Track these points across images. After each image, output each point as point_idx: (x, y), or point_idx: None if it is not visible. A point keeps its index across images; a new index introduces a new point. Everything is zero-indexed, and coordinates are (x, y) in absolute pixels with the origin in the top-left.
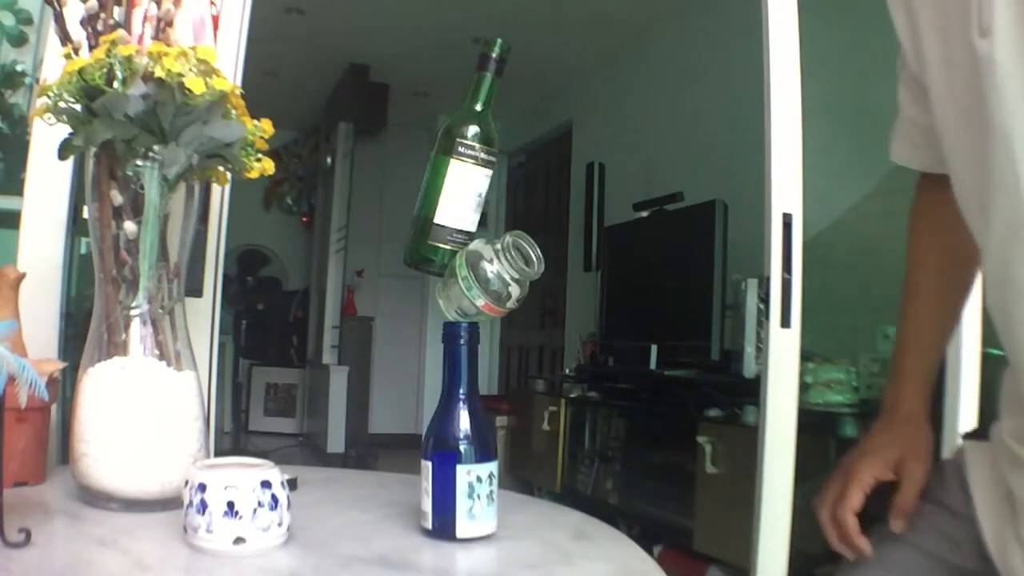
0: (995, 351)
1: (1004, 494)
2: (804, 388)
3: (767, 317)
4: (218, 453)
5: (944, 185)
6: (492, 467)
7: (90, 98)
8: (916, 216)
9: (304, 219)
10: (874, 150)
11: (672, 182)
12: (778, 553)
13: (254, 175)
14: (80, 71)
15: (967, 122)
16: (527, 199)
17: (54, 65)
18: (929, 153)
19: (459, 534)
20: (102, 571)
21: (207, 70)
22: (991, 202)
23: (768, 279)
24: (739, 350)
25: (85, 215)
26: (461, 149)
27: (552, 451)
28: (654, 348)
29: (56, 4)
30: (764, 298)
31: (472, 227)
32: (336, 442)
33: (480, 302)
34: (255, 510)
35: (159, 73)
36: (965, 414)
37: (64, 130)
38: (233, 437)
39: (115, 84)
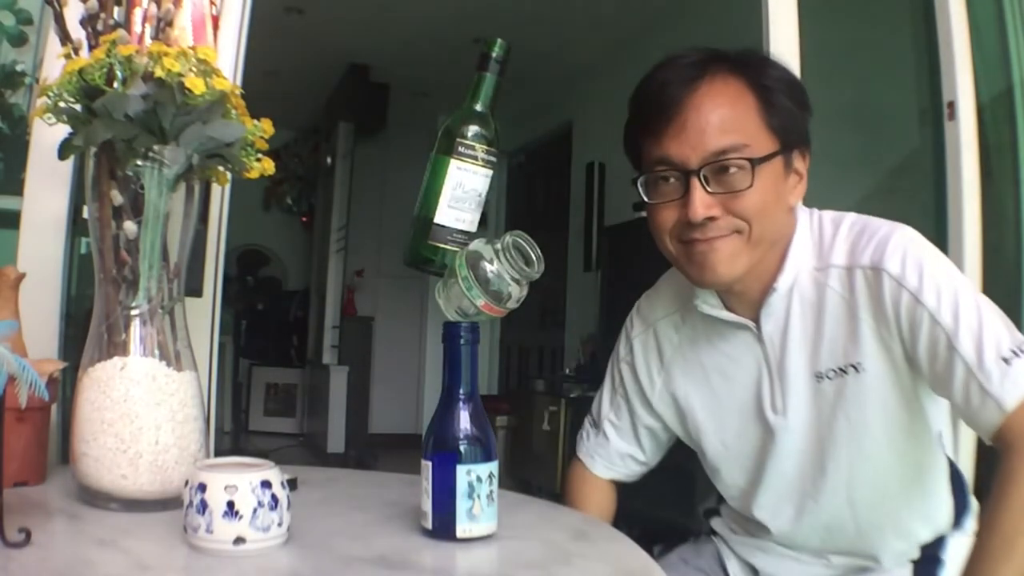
0: None
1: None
2: None
3: None
4: (218, 453)
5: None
6: (492, 467)
7: (90, 98)
8: (575, 494)
9: (304, 219)
10: (874, 150)
11: None
12: None
13: (254, 175)
14: (80, 71)
15: (750, 451)
16: (527, 199)
17: (54, 65)
18: (621, 470)
19: (459, 534)
20: (102, 571)
21: (207, 70)
22: (763, 476)
23: None
24: None
25: (85, 215)
26: (461, 149)
27: (552, 451)
28: None
29: (56, 4)
30: None
31: (472, 227)
32: (336, 442)
33: (480, 302)
34: (255, 510)
35: (159, 73)
36: None
37: (64, 130)
38: (233, 437)
39: (115, 84)
